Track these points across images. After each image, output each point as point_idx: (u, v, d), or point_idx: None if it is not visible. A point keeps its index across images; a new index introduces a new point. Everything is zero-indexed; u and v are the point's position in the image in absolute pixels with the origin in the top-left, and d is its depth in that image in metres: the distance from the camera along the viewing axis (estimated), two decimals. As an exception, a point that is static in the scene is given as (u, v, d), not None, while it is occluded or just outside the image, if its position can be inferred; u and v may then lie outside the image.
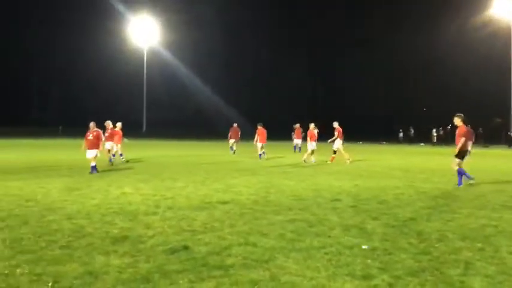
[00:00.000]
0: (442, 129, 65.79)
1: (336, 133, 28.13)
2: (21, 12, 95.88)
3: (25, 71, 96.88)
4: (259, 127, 32.75)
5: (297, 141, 42.70)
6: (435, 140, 64.45)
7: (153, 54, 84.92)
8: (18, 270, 6.96)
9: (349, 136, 65.40)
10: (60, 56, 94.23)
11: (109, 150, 25.77)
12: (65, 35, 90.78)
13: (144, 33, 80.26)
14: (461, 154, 17.27)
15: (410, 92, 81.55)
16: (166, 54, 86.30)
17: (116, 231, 9.57)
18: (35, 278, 6.68)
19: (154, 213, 11.47)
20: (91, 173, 20.43)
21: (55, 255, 7.81)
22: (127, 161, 27.34)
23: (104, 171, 21.85)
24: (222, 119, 68.30)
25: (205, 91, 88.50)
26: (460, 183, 17.09)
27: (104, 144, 22.70)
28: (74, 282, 6.52)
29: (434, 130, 65.64)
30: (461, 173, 17.18)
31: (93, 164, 20.87)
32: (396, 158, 35.58)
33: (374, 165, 27.51)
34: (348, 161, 27.54)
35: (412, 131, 69.96)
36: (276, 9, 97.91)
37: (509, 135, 60.23)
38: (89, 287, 6.35)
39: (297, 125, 42.24)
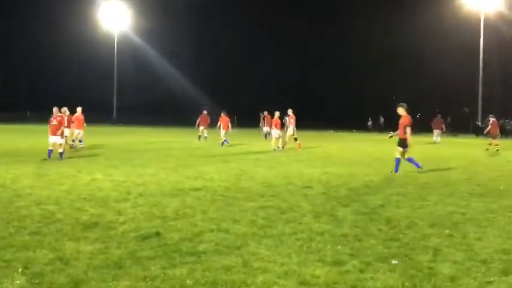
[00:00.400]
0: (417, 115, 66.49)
1: (291, 120, 28.99)
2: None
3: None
4: (222, 114, 33.18)
5: (266, 128, 42.90)
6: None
7: (124, 39, 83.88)
8: (-14, 257, 6.82)
9: (321, 124, 66.17)
10: (28, 40, 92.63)
11: (66, 137, 25.18)
12: (34, 19, 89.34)
13: (114, 18, 79.16)
14: (404, 143, 17.43)
15: (380, 81, 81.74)
16: (137, 40, 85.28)
17: (86, 217, 9.44)
18: (4, 264, 6.55)
19: (126, 200, 11.36)
20: (48, 157, 20.13)
21: (24, 241, 7.67)
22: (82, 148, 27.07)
23: (72, 157, 21.59)
24: (193, 105, 67.74)
25: (176, 77, 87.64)
26: (396, 170, 17.28)
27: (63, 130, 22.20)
28: (45, 268, 6.40)
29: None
30: (399, 161, 17.43)
31: (51, 148, 20.48)
32: (366, 145, 35.82)
33: (344, 152, 27.65)
34: (281, 147, 28.80)
35: (382, 120, 70.29)
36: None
37: (477, 124, 60.98)
38: (59, 273, 6.23)
39: (265, 113, 42.62)
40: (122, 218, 9.38)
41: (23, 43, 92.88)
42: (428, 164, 20.71)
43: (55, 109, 21.32)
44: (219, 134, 32.85)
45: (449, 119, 56.46)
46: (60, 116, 21.15)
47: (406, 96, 74.11)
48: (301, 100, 79.51)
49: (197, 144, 33.10)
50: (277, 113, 30.04)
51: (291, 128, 28.91)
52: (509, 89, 67.40)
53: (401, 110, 17.73)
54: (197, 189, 12.99)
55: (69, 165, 18.38)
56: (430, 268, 6.69)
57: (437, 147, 35.14)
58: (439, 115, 45.48)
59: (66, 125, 22.52)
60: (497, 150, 29.69)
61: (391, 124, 65.98)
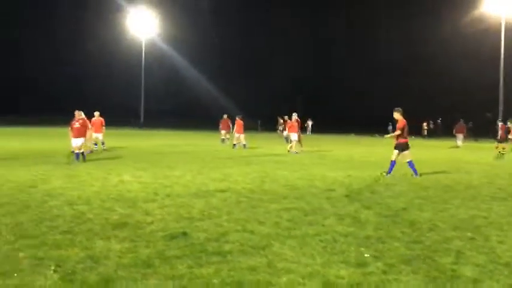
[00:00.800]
0: (433, 123, 65.81)
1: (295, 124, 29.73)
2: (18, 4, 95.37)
3: (17, 61, 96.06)
4: (237, 119, 33.95)
5: (286, 132, 42.90)
6: (425, 133, 64.37)
7: (151, 45, 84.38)
8: (20, 254, 6.93)
9: (342, 128, 65.81)
10: (57, 47, 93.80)
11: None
12: (65, 26, 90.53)
13: (142, 25, 79.65)
14: (400, 146, 17.50)
15: (403, 87, 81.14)
16: (164, 46, 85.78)
17: (115, 217, 9.55)
18: (37, 262, 6.65)
19: (153, 201, 11.45)
20: (76, 159, 20.12)
21: (57, 239, 7.79)
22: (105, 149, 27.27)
23: (100, 159, 21.81)
24: (218, 110, 67.85)
25: (201, 82, 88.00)
26: (389, 172, 17.44)
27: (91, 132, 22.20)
28: (76, 266, 6.50)
29: (425, 124, 65.54)
30: (393, 164, 17.58)
31: (77, 151, 20.42)
32: (388, 150, 35.52)
33: (366, 156, 27.50)
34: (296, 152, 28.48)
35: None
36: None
37: (495, 128, 60.18)
38: (90, 271, 6.33)
39: (285, 117, 42.24)
40: (149, 218, 9.47)
41: (52, 51, 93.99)
42: (450, 168, 20.57)
43: (77, 112, 21.45)
44: (233, 137, 33.76)
45: (470, 123, 55.81)
46: (82, 118, 21.34)
47: (429, 101, 73.93)
48: (324, 104, 79.16)
49: (221, 148, 33.18)
50: (294, 116, 30.30)
51: (294, 133, 29.53)
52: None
53: (396, 115, 17.89)
54: (222, 191, 13.04)
55: (99, 167, 18.56)
56: (453, 270, 6.67)
57: (460, 152, 34.78)
58: (462, 120, 45.20)
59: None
60: (502, 153, 29.41)
61: (412, 131, 65.96)
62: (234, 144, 32.64)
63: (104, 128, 28.13)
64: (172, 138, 44.98)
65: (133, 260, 6.82)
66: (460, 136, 43.71)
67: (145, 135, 50.19)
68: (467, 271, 6.65)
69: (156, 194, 12.42)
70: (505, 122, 34.70)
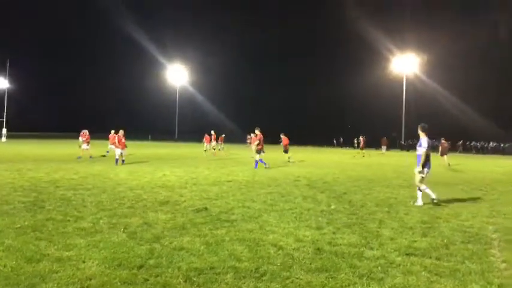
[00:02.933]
0: (362, 138, 65.92)
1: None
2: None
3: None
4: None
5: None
6: (356, 145, 64.49)
7: (183, 90, 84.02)
8: (101, 221, 6.85)
9: (302, 140, 65.38)
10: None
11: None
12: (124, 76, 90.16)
13: (176, 76, 79.43)
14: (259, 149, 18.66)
15: (348, 117, 79.61)
16: (192, 90, 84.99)
17: (161, 198, 9.47)
18: (111, 226, 6.58)
19: (184, 187, 11.37)
20: (116, 164, 18.41)
21: (124, 212, 7.71)
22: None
23: (150, 160, 21.64)
24: (225, 128, 66.83)
25: (213, 110, 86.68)
26: (255, 167, 18.13)
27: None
28: (137, 228, 6.43)
29: (355, 139, 65.62)
30: (260, 161, 18.35)
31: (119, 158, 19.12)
32: (333, 156, 35.65)
33: (320, 160, 27.53)
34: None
35: (342, 139, 69.84)
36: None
37: (401, 143, 60.57)
38: (146, 232, 6.25)
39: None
40: (183, 198, 9.40)
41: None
42: (374, 168, 20.63)
43: (121, 131, 19.52)
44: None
45: (394, 134, 55.94)
46: (120, 135, 19.37)
47: (357, 125, 73.68)
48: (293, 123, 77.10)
49: (230, 154, 32.98)
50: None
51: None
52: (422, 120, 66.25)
53: (257, 131, 18.43)
54: (229, 181, 12.98)
55: (148, 165, 18.42)
56: (377, 232, 6.66)
57: (380, 157, 34.88)
58: (385, 137, 46.66)
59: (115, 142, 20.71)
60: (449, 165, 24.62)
61: (347, 144, 65.95)
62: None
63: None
64: (196, 148, 44.73)
65: (173, 225, 6.76)
66: (384, 147, 45.00)
67: (178, 146, 49.87)
68: (386, 232, 6.63)
69: (186, 183, 12.36)
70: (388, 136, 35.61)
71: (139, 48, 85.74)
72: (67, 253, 5.05)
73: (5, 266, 4.52)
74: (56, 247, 5.28)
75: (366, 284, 4.29)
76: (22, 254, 4.95)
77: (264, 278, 4.41)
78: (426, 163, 9.35)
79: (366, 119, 71.20)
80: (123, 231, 6.19)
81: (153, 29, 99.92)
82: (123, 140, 19.51)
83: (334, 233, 6.50)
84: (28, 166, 16.31)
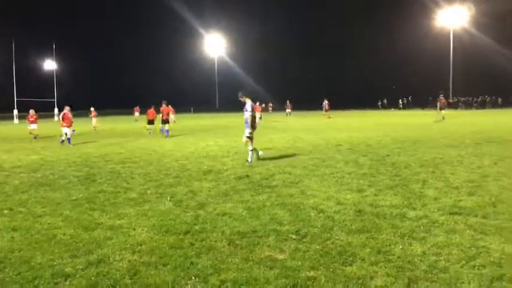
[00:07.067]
0: (405, 100, 63.84)
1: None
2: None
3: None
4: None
5: (288, 110, 42.92)
6: (401, 107, 62.60)
7: (220, 61, 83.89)
8: (148, 191, 7.18)
9: (345, 104, 64.06)
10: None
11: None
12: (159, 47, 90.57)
13: (214, 46, 79.39)
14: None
15: (385, 75, 76.94)
16: (230, 61, 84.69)
17: (204, 167, 9.74)
18: (158, 195, 6.88)
19: (227, 156, 11.60)
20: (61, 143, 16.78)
21: (170, 181, 8.02)
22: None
23: (195, 132, 22.08)
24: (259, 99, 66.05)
25: (250, 82, 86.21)
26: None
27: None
28: (183, 197, 6.70)
29: (400, 100, 63.74)
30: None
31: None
32: (376, 118, 34.80)
33: (362, 123, 26.99)
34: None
35: (386, 101, 67.83)
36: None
37: (448, 101, 57.86)
38: (191, 199, 6.50)
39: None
40: (225, 167, 9.62)
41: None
42: (417, 127, 20.01)
43: (67, 108, 17.48)
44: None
45: (441, 92, 53.63)
46: (65, 112, 17.32)
47: (401, 85, 70.99)
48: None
49: (269, 122, 32.98)
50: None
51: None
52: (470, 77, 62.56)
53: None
54: (269, 149, 13.07)
55: (192, 137, 18.86)
56: (421, 192, 6.55)
57: (424, 117, 33.65)
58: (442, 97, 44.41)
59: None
60: (444, 118, 27.73)
61: (392, 105, 63.93)
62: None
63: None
64: (235, 117, 45.01)
65: (217, 192, 6.97)
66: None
67: (219, 116, 50.34)
68: (430, 192, 6.52)
69: (228, 152, 12.59)
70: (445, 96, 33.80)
71: (178, 18, 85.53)
72: (119, 221, 5.38)
73: (64, 234, 4.90)
74: (108, 216, 5.64)
75: (407, 244, 4.29)
76: (79, 223, 5.34)
77: (304, 239, 4.51)
78: (253, 124, 10.10)
79: (411, 78, 68.35)
80: (170, 200, 6.46)
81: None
82: (71, 117, 17.34)
83: (375, 195, 6.46)
84: (79, 142, 17.19)
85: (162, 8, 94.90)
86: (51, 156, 12.73)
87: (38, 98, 52.75)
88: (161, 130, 20.08)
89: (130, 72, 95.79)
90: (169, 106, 21.70)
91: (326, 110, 37.77)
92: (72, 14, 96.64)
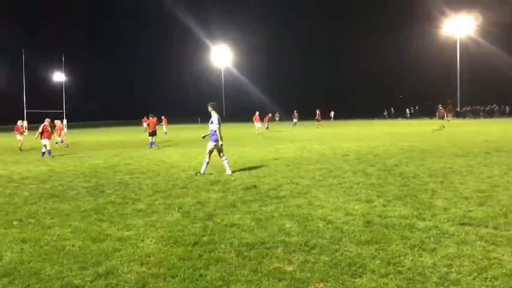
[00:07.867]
0: (413, 109, 63.75)
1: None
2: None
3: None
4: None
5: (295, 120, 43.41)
6: (408, 116, 62.43)
7: (227, 71, 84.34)
8: (157, 202, 7.19)
9: (352, 114, 63.90)
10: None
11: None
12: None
13: (221, 57, 79.91)
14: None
15: (390, 85, 77.04)
16: (236, 72, 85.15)
17: (212, 177, 9.73)
18: (167, 206, 6.89)
19: (234, 167, 11.51)
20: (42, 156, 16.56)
21: (177, 192, 8.03)
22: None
23: (197, 142, 22.07)
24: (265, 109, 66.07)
25: (256, 92, 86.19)
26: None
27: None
28: (190, 208, 6.69)
29: (407, 109, 63.64)
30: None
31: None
32: (384, 128, 34.69)
33: (369, 132, 26.91)
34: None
35: (393, 110, 67.78)
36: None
37: (457, 110, 57.54)
38: (199, 210, 6.50)
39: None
40: (232, 178, 9.60)
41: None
42: (424, 137, 19.87)
43: (47, 120, 17.35)
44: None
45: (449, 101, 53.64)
46: (45, 124, 17.08)
47: (408, 94, 70.89)
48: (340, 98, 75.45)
49: (274, 132, 33.04)
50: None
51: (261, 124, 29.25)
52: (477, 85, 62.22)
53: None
54: (276, 159, 13.08)
55: (199, 147, 18.80)
56: (430, 202, 6.49)
57: (428, 126, 33.49)
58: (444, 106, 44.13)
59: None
60: (444, 127, 28.10)
61: (399, 115, 63.68)
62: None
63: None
64: (245, 127, 45.11)
65: (224, 203, 6.96)
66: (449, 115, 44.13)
67: (225, 126, 50.34)
68: (440, 203, 6.46)
69: (235, 162, 12.52)
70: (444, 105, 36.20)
71: (186, 30, 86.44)
72: (127, 233, 5.38)
73: (73, 245, 4.91)
74: (116, 227, 5.65)
75: (417, 255, 4.24)
76: (87, 234, 5.35)
77: (313, 251, 4.48)
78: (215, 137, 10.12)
79: (418, 88, 68.32)
80: (178, 211, 6.46)
81: (198, 9, 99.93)
82: (50, 129, 17.31)
83: (384, 205, 6.41)
84: (88, 153, 17.30)
85: (170, 20, 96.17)
86: (60, 167, 12.81)
87: (47, 109, 53.27)
88: (152, 143, 19.84)
89: (138, 83, 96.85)
90: (163, 117, 22.95)
91: (318, 120, 38.74)
92: (81, 25, 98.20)
